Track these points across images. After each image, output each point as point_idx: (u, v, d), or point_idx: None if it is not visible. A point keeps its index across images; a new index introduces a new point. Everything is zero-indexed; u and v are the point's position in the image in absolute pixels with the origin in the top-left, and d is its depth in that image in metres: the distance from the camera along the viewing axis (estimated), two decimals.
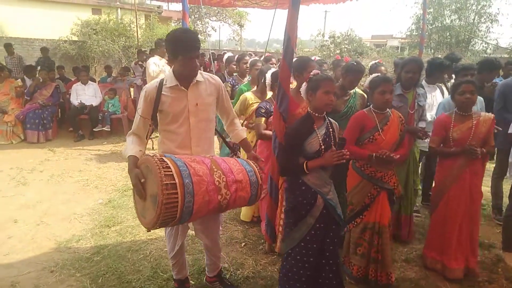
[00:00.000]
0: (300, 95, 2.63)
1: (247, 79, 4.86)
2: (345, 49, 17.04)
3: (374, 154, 2.69)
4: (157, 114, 2.32)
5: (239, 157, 2.57)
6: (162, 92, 2.27)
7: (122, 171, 5.53)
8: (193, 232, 2.67)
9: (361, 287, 2.89)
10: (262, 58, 5.56)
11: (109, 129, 7.61)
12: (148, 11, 20.50)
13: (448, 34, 20.75)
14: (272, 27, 6.83)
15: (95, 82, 8.50)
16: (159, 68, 5.87)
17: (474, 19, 20.86)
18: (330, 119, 2.51)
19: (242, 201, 2.29)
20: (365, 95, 3.42)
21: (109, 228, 3.75)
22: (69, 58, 14.75)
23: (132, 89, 8.86)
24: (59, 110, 8.12)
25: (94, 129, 7.53)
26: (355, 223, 2.86)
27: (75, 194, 4.65)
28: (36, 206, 4.28)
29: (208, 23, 26.14)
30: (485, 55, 18.93)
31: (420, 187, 4.29)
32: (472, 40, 20.70)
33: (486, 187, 3.75)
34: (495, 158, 4.29)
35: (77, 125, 7.51)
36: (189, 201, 1.96)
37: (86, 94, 7.68)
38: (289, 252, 2.44)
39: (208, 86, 2.40)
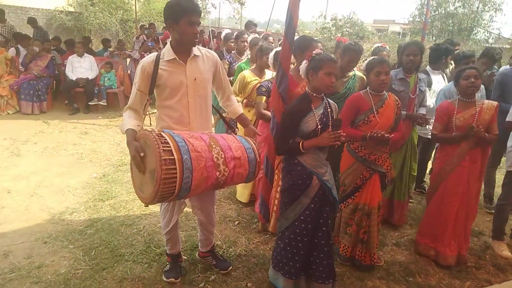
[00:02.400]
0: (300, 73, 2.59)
1: (245, 56, 4.81)
2: (347, 32, 16.78)
3: (368, 134, 2.70)
4: (154, 89, 2.28)
5: (236, 134, 2.55)
6: (160, 66, 2.23)
7: (117, 146, 5.50)
8: (187, 209, 2.67)
9: (347, 266, 2.94)
10: (261, 37, 5.45)
11: (105, 103, 7.52)
12: None
13: (450, 21, 20.48)
14: (274, 6, 6.70)
15: (94, 54, 8.36)
16: None
17: (478, 7, 20.60)
18: (328, 100, 2.49)
19: (240, 178, 2.29)
20: (365, 78, 3.38)
21: (103, 202, 3.75)
22: (65, 29, 14.38)
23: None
24: (54, 82, 7.97)
25: (89, 103, 7.43)
26: (347, 203, 2.89)
27: (69, 167, 4.63)
28: (30, 177, 4.26)
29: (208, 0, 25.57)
30: (487, 45, 18.79)
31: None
32: (474, 28, 20.49)
33: None
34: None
35: (72, 98, 7.41)
36: (187, 177, 1.96)
37: (82, 67, 7.54)
38: (283, 231, 2.46)
39: (205, 61, 2.37)
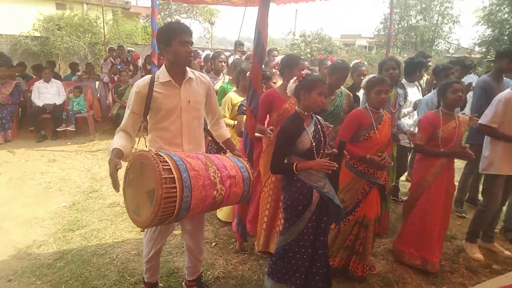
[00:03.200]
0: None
1: (221, 76, 4.92)
2: (316, 48, 17.23)
3: (368, 156, 2.75)
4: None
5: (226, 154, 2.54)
6: (154, 89, 2.23)
7: (88, 172, 5.34)
8: None
9: (339, 278, 2.93)
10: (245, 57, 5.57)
11: (74, 129, 7.31)
12: (115, 6, 19.90)
13: (413, 34, 21.47)
14: (242, 24, 6.79)
15: (60, 79, 8.16)
16: None
17: (437, 20, 21.70)
18: (316, 116, 2.56)
19: (236, 197, 2.27)
20: (351, 94, 3.48)
21: (73, 232, 3.59)
22: (31, 54, 14.04)
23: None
24: (20, 109, 7.70)
25: (57, 129, 7.20)
26: (347, 221, 2.89)
27: (37, 197, 4.43)
28: None
29: (178, 20, 25.72)
30: (448, 55, 19.72)
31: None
32: (436, 40, 21.52)
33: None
34: None
35: (39, 125, 7.16)
36: (187, 195, 1.93)
37: (48, 93, 7.33)
38: (286, 246, 2.47)
39: (199, 84, 2.39)
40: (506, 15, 18.48)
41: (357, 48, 21.51)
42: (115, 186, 1.99)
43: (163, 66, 2.31)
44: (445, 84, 3.08)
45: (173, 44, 2.17)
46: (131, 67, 9.59)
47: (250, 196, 2.49)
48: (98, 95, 8.45)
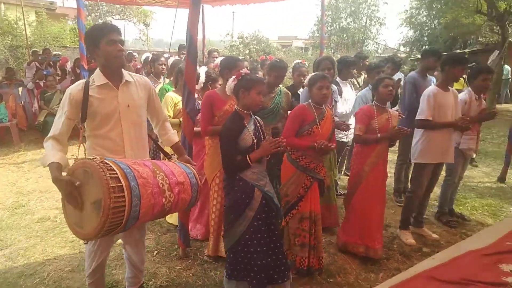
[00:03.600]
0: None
1: (161, 79, 4.81)
2: (254, 49, 17.46)
3: (315, 143, 2.82)
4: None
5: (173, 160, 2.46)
6: (90, 93, 2.09)
7: (12, 186, 4.89)
8: None
9: (305, 279, 2.96)
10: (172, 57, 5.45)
11: None
12: (39, 7, 18.46)
13: (345, 35, 22.69)
14: (174, 26, 6.68)
15: None
16: None
17: (366, 22, 23.14)
18: (254, 115, 2.60)
19: (184, 204, 2.22)
20: (289, 93, 3.56)
21: None
22: None
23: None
24: None
25: None
26: (291, 215, 2.94)
27: None
28: None
29: (110, 21, 24.59)
30: (377, 55, 21.09)
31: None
32: (365, 41, 22.93)
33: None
34: (398, 146, 4.72)
35: None
36: (136, 204, 1.84)
37: None
38: (237, 247, 2.46)
39: (138, 87, 2.28)
40: (424, 18, 20.25)
41: (294, 49, 22.19)
42: (76, 204, 1.84)
43: (98, 69, 2.18)
44: (378, 79, 3.31)
45: (101, 45, 2.07)
46: (59, 72, 8.97)
47: (197, 202, 2.45)
48: (22, 102, 7.80)
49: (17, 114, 7.29)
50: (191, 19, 2.86)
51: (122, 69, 2.22)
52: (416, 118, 3.62)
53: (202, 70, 3.54)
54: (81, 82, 2.15)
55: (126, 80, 2.20)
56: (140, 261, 2.54)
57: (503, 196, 4.96)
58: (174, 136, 2.55)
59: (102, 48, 2.07)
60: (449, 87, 3.63)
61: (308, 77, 3.06)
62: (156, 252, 3.33)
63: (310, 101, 3.01)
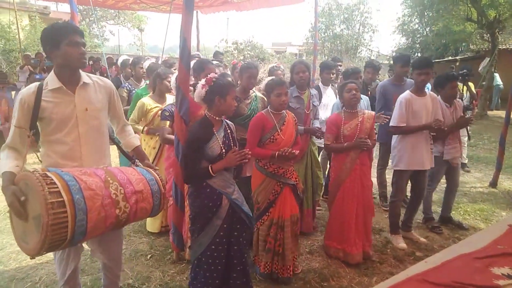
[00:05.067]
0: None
1: (143, 83, 4.69)
2: (248, 55, 17.56)
3: (276, 153, 2.79)
4: (37, 122, 2.02)
5: (137, 166, 2.35)
6: (43, 98, 1.98)
7: None
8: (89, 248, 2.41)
9: (269, 283, 2.95)
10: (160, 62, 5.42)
11: None
12: (32, 11, 18.36)
13: (338, 42, 22.88)
14: (168, 32, 6.69)
15: None
16: None
17: (359, 29, 23.38)
18: (226, 120, 2.52)
19: (144, 213, 2.12)
20: (265, 98, 3.51)
21: None
22: None
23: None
24: None
25: None
26: (262, 221, 2.92)
27: None
28: None
29: (105, 26, 24.57)
30: None
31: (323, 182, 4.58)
32: (358, 47, 23.14)
33: (374, 178, 4.14)
34: (378, 151, 4.79)
35: None
36: (81, 219, 1.74)
37: None
38: (199, 257, 2.38)
39: (98, 89, 2.17)
40: (416, 26, 20.53)
41: (288, 55, 22.34)
42: (20, 215, 1.77)
43: (52, 71, 2.08)
44: (341, 86, 3.33)
45: (61, 46, 1.96)
46: None
47: (163, 208, 2.33)
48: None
49: (9, 118, 7.21)
50: (185, 22, 2.87)
51: (80, 70, 2.12)
52: (390, 125, 3.65)
53: (174, 76, 3.47)
54: (33, 86, 2.03)
55: (84, 82, 2.10)
56: (116, 266, 2.39)
57: (494, 201, 5.02)
58: (135, 140, 2.45)
59: (62, 49, 1.97)
60: (427, 91, 3.63)
61: (264, 83, 2.99)
62: (149, 256, 3.31)
63: (268, 107, 2.98)
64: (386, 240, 3.78)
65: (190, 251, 2.48)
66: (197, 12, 8.77)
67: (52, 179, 1.73)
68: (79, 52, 2.00)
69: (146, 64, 4.53)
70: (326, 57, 21.14)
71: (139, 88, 4.44)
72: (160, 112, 3.44)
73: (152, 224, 3.73)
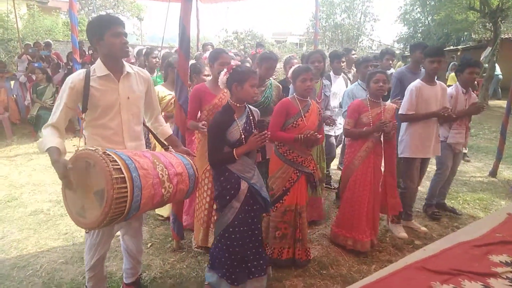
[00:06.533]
0: (217, 85, 2.62)
1: (156, 73, 4.73)
2: (248, 44, 17.42)
3: (300, 135, 2.81)
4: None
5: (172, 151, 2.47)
6: (91, 84, 2.09)
7: (5, 180, 4.85)
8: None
9: (298, 271, 2.99)
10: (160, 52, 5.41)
11: None
12: (30, 0, 18.20)
13: (339, 31, 22.70)
14: (168, 21, 6.63)
15: None
16: None
17: (360, 18, 23.18)
18: (250, 106, 2.57)
19: (182, 194, 2.24)
20: (280, 86, 3.54)
21: None
22: None
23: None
24: None
25: None
26: (275, 208, 2.94)
27: None
28: None
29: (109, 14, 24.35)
30: (371, 51, 21.15)
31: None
32: (360, 37, 22.96)
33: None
34: None
35: None
36: (137, 195, 1.87)
37: None
38: (219, 236, 2.48)
39: (138, 79, 2.30)
40: (418, 15, 20.33)
41: (289, 45, 22.15)
42: (71, 187, 1.88)
43: (99, 59, 2.18)
44: (370, 74, 3.29)
45: (105, 37, 2.08)
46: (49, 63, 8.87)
47: (195, 192, 2.46)
48: (14, 96, 7.71)
49: (9, 108, 7.21)
50: (184, 10, 2.84)
51: (124, 61, 2.23)
52: (399, 112, 3.64)
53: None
54: (81, 72, 2.14)
55: (127, 72, 2.22)
56: (138, 252, 2.55)
57: (494, 191, 5.03)
58: (168, 129, 2.57)
59: (107, 39, 2.08)
60: (436, 81, 3.63)
61: (291, 70, 3.03)
62: (150, 244, 3.33)
63: (294, 94, 3.00)
64: (385, 228, 3.80)
65: (214, 229, 2.57)
66: (196, 1, 8.68)
67: (113, 157, 1.84)
68: (121, 42, 2.11)
69: (163, 53, 4.63)
70: (327, 47, 21.01)
71: (152, 77, 4.50)
72: (173, 100, 3.46)
73: (164, 207, 3.70)
